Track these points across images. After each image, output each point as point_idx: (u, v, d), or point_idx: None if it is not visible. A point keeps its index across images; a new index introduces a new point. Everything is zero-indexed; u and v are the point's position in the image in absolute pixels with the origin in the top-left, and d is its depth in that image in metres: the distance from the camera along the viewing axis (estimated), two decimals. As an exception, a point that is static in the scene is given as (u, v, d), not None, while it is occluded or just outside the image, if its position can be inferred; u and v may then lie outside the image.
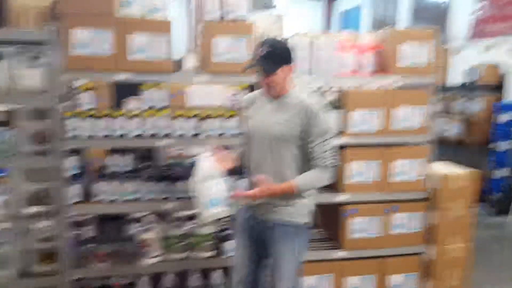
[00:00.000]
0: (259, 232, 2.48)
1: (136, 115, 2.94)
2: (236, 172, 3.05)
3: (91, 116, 2.84)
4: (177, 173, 3.11)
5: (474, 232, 3.51)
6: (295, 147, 2.34)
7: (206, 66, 2.93)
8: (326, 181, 2.36)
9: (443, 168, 3.54)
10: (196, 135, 3.01)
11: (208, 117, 3.01)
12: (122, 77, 2.79)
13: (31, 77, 2.76)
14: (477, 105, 6.44)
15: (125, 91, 3.53)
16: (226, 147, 3.18)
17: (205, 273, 3.22)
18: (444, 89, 6.81)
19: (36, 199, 2.91)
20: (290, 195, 2.35)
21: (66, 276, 2.88)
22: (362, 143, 3.21)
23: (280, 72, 2.30)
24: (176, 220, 3.14)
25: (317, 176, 2.33)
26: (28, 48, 3.34)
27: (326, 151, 2.32)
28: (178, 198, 3.03)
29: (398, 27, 9.11)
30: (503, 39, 6.54)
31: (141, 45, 2.77)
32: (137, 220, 3.29)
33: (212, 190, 2.31)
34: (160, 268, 3.07)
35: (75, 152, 2.90)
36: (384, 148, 3.25)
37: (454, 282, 3.47)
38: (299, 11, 12.69)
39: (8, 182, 3.05)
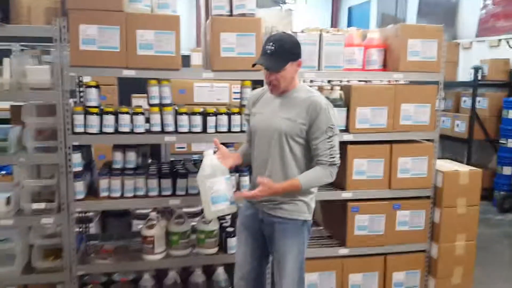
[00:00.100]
0: (261, 228, 2.48)
1: (143, 111, 2.93)
2: (240, 169, 3.06)
3: (98, 112, 2.83)
4: (182, 169, 3.11)
5: (478, 230, 3.48)
6: (300, 143, 2.33)
7: (214, 61, 2.91)
8: (329, 179, 2.34)
9: (447, 165, 3.52)
10: (203, 131, 3.00)
11: (215, 113, 3.00)
12: (130, 73, 2.78)
13: (39, 73, 2.76)
14: (486, 101, 6.40)
15: (133, 86, 3.53)
16: (232, 144, 3.18)
17: (209, 269, 3.22)
18: (453, 85, 6.77)
19: (41, 195, 2.91)
20: (293, 193, 2.35)
21: (71, 272, 2.89)
22: (367, 140, 3.19)
23: (289, 67, 2.29)
24: (180, 216, 3.14)
25: (320, 174, 2.32)
26: (37, 44, 3.35)
27: (330, 148, 2.30)
28: (182, 195, 3.02)
29: (407, 22, 9.05)
30: (513, 35, 6.51)
31: (149, 41, 2.75)
32: (142, 216, 3.28)
33: (217, 187, 2.30)
34: (164, 264, 3.08)
35: (81, 147, 2.90)
36: (391, 144, 3.23)
37: (457, 280, 3.46)
38: (307, 7, 12.66)
39: (14, 177, 3.06)
